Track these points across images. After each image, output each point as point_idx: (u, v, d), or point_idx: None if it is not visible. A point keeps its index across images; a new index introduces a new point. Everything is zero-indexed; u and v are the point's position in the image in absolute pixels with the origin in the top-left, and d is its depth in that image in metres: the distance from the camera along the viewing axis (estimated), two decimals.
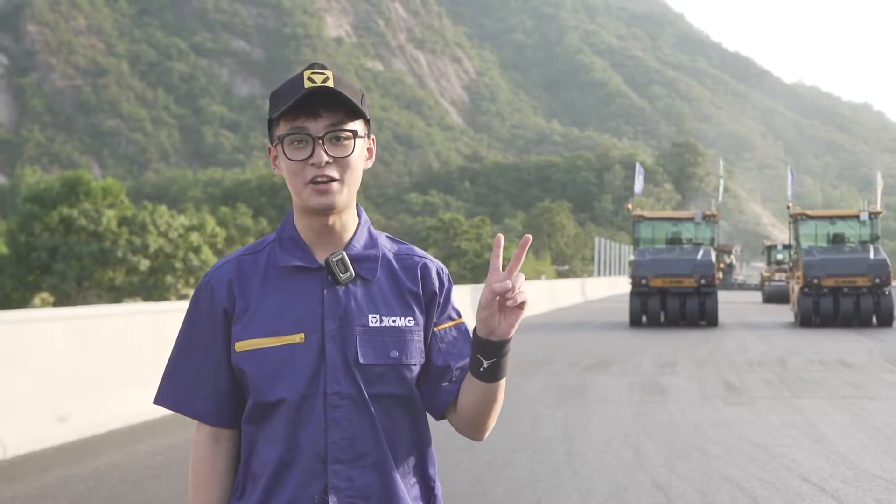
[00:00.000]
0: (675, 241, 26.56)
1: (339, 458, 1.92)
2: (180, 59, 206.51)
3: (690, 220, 27.02)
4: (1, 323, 8.12)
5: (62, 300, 41.42)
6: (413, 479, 2.01)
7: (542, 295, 34.55)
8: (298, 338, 1.93)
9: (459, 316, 2.12)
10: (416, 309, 2.03)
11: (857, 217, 25.68)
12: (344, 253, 1.97)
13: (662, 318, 24.75)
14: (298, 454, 1.92)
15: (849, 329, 22.69)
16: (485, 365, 1.95)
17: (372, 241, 2.03)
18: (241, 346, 1.95)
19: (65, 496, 6.49)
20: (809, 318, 23.78)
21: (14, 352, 8.10)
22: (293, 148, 1.94)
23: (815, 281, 23.61)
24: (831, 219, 26.37)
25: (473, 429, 2.07)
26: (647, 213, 28.03)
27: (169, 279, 44.81)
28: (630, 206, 28.65)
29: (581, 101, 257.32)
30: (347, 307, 1.96)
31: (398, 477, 1.97)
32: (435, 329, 2.06)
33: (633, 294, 24.82)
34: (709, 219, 26.81)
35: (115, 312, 10.33)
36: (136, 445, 8.17)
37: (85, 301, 40.73)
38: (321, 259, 1.98)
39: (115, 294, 42.91)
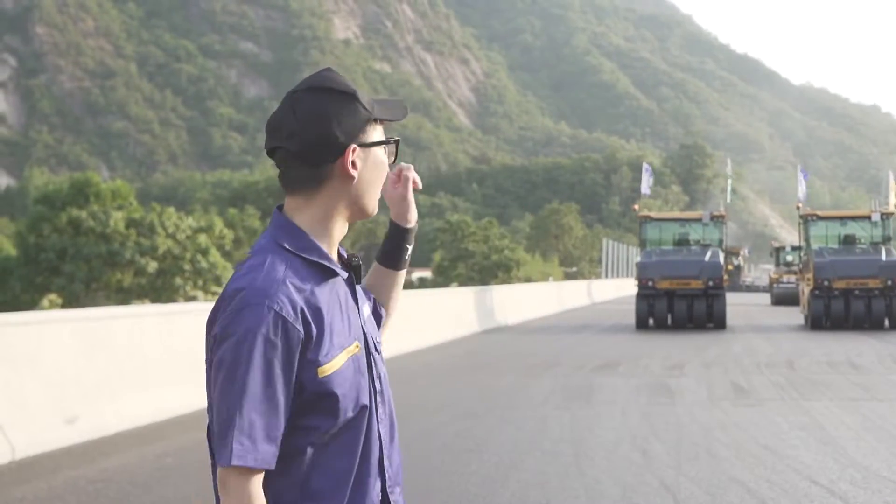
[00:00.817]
0: (682, 242, 26.07)
1: (386, 452, 1.96)
2: (188, 61, 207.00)
3: (698, 220, 26.60)
4: (10, 325, 8.13)
5: (71, 302, 41.50)
6: None
7: (550, 297, 34.53)
8: (358, 346, 1.93)
9: None
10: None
11: (869, 218, 25.18)
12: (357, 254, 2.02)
13: (669, 321, 24.26)
14: (368, 457, 1.92)
15: (857, 331, 22.54)
16: (408, 251, 2.23)
17: None
18: (324, 370, 1.85)
19: (73, 497, 6.50)
20: (820, 321, 23.26)
21: (22, 353, 8.11)
22: (384, 154, 1.99)
23: (826, 283, 23.09)
24: (842, 219, 25.82)
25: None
26: (653, 214, 27.56)
27: (177, 281, 44.85)
28: (637, 206, 28.44)
29: (589, 102, 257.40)
30: (360, 305, 2.01)
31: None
32: None
33: (639, 296, 24.33)
34: (717, 220, 26.39)
35: (123, 314, 10.35)
36: (144, 447, 8.18)
37: (93, 303, 40.78)
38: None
39: (124, 296, 42.96)
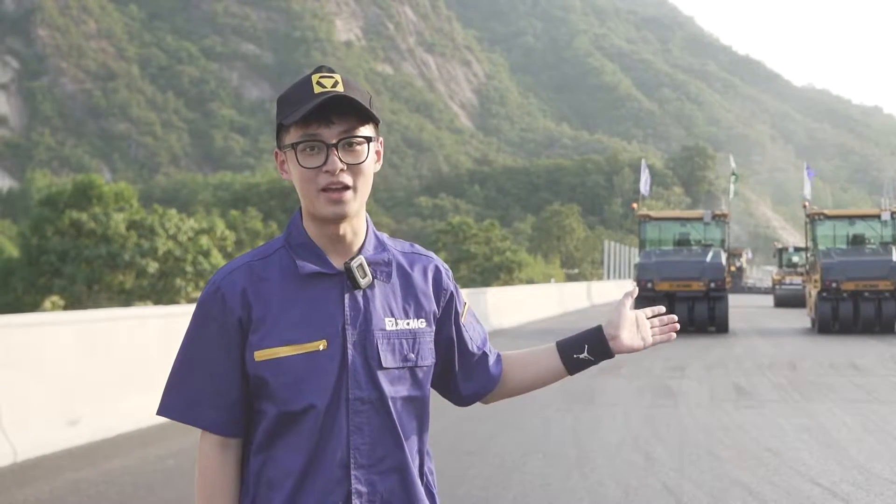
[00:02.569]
0: (683, 242, 25.33)
1: (361, 463, 1.93)
2: (190, 63, 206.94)
3: (699, 220, 25.78)
4: (12, 326, 8.14)
5: (73, 303, 41.51)
6: (421, 481, 2.04)
7: (551, 298, 34.52)
8: (321, 345, 1.92)
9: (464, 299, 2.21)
10: (427, 310, 2.06)
11: (879, 217, 24.25)
12: (363, 257, 1.97)
13: None
14: (322, 461, 1.92)
15: (862, 333, 22.15)
16: (587, 361, 2.22)
17: (381, 245, 2.04)
18: (260, 355, 1.92)
19: (75, 500, 6.50)
20: (828, 324, 22.45)
21: (24, 355, 8.11)
22: (306, 155, 1.93)
23: (834, 285, 22.14)
24: (850, 219, 24.89)
25: (499, 398, 2.25)
26: (653, 213, 26.75)
27: (179, 282, 44.86)
28: (636, 205, 28.05)
29: (591, 104, 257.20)
30: (367, 312, 1.96)
31: (416, 478, 2.00)
32: (462, 321, 2.16)
33: (638, 298, 23.08)
34: (718, 219, 25.61)
35: (124, 316, 10.36)
36: (147, 449, 8.18)
37: (95, 304, 40.80)
38: (337, 264, 1.97)
39: (126, 297, 42.97)
